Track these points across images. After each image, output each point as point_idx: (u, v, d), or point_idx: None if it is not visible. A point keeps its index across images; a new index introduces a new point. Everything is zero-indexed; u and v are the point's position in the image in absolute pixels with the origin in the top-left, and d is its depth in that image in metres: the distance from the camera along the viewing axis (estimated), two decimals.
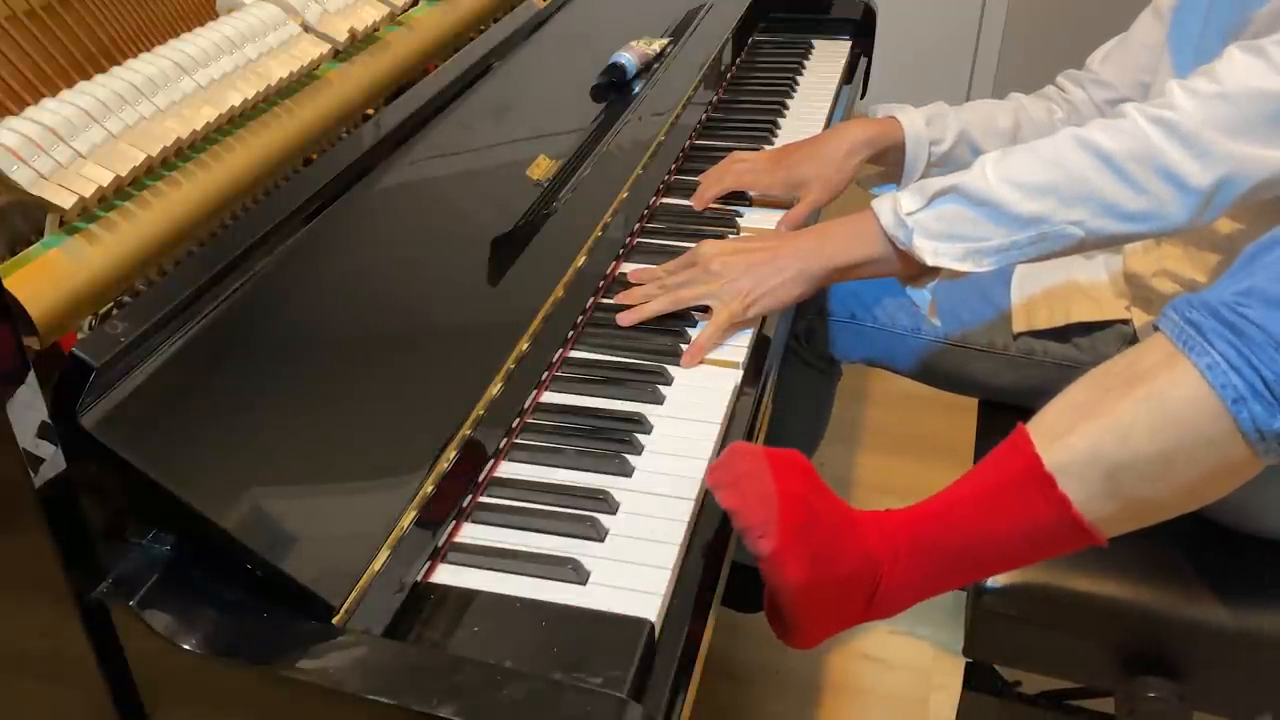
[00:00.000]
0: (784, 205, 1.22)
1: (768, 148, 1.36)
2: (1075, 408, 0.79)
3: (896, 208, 0.97)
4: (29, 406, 0.61)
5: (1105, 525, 0.78)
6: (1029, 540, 0.80)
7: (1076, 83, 1.25)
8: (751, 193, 1.23)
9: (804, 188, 1.19)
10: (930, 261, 0.96)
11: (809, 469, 0.81)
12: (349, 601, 0.67)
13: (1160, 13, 1.17)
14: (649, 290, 1.03)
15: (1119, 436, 0.76)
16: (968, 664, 1.15)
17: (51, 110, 0.74)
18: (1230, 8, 0.98)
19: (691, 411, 0.91)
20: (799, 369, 1.40)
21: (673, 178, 1.28)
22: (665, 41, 1.38)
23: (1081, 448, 0.77)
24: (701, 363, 0.97)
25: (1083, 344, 1.19)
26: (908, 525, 0.82)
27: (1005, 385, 1.24)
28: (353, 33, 1.00)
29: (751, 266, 1.01)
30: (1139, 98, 1.16)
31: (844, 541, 0.80)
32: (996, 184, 0.92)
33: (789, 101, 1.50)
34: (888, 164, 1.26)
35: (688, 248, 1.12)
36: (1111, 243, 0.93)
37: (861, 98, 1.70)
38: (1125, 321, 1.17)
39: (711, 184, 1.21)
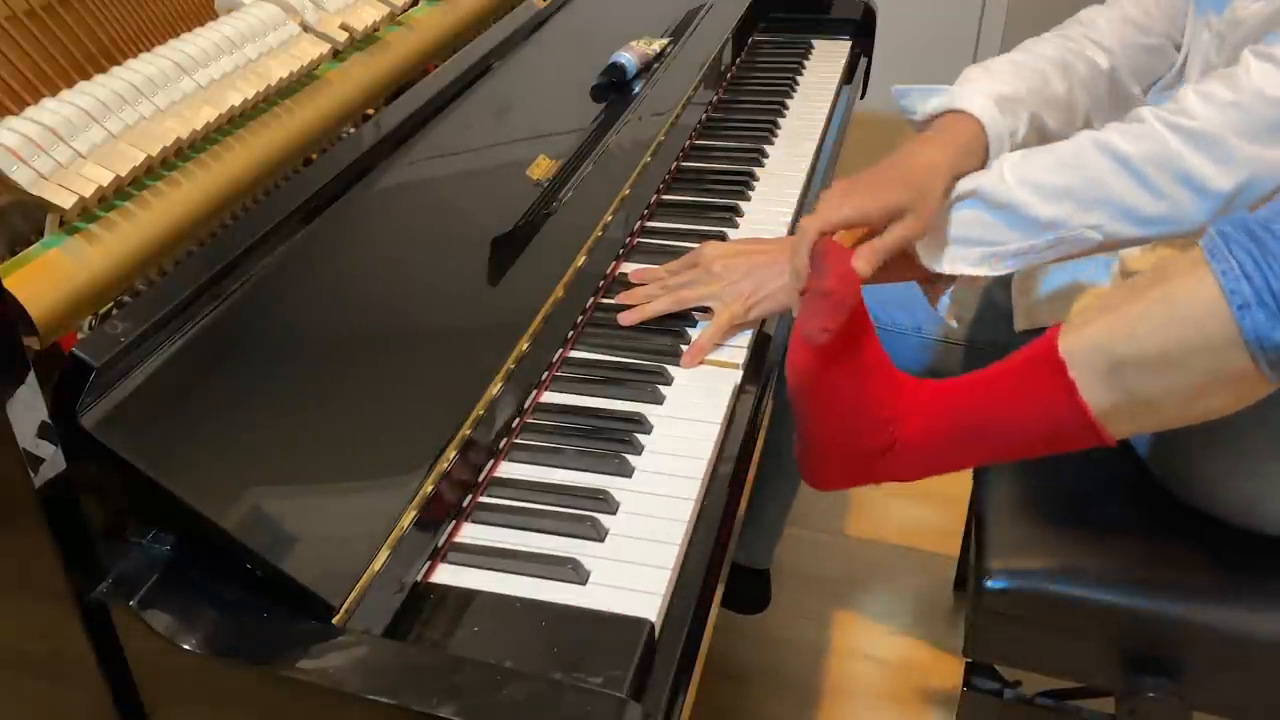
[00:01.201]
0: (784, 202, 1.21)
1: (768, 148, 1.36)
2: (1103, 304, 0.82)
3: None
4: (29, 406, 0.61)
5: (1108, 420, 0.81)
6: (1037, 423, 0.83)
7: (1124, 21, 1.13)
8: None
9: (902, 217, 0.94)
10: (946, 269, 0.95)
11: (868, 316, 0.88)
12: (349, 601, 0.67)
13: None
14: (650, 290, 1.03)
15: (1128, 330, 0.79)
16: (968, 664, 1.15)
17: (51, 110, 0.74)
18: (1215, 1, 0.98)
19: (691, 411, 0.91)
20: None
21: (673, 177, 1.28)
22: (665, 41, 1.38)
23: (1092, 336, 0.80)
24: (701, 363, 0.97)
25: None
26: (931, 389, 0.87)
27: None
28: (350, 31, 0.99)
29: (753, 269, 1.01)
30: (1168, 43, 1.12)
31: (879, 380, 0.86)
32: (1015, 187, 0.92)
33: (789, 101, 1.50)
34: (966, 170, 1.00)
35: (688, 247, 1.12)
36: (1129, 245, 0.93)
37: (861, 98, 1.70)
38: None
39: (806, 241, 0.93)
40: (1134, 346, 0.78)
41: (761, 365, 0.99)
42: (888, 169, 0.98)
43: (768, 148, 1.36)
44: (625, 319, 1.01)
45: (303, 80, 0.94)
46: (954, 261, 0.95)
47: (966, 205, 0.94)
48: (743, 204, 1.23)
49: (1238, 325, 0.74)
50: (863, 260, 0.92)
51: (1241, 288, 0.74)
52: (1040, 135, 1.06)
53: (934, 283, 1.00)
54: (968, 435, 0.86)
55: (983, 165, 0.99)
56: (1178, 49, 1.13)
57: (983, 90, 1.01)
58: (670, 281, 1.03)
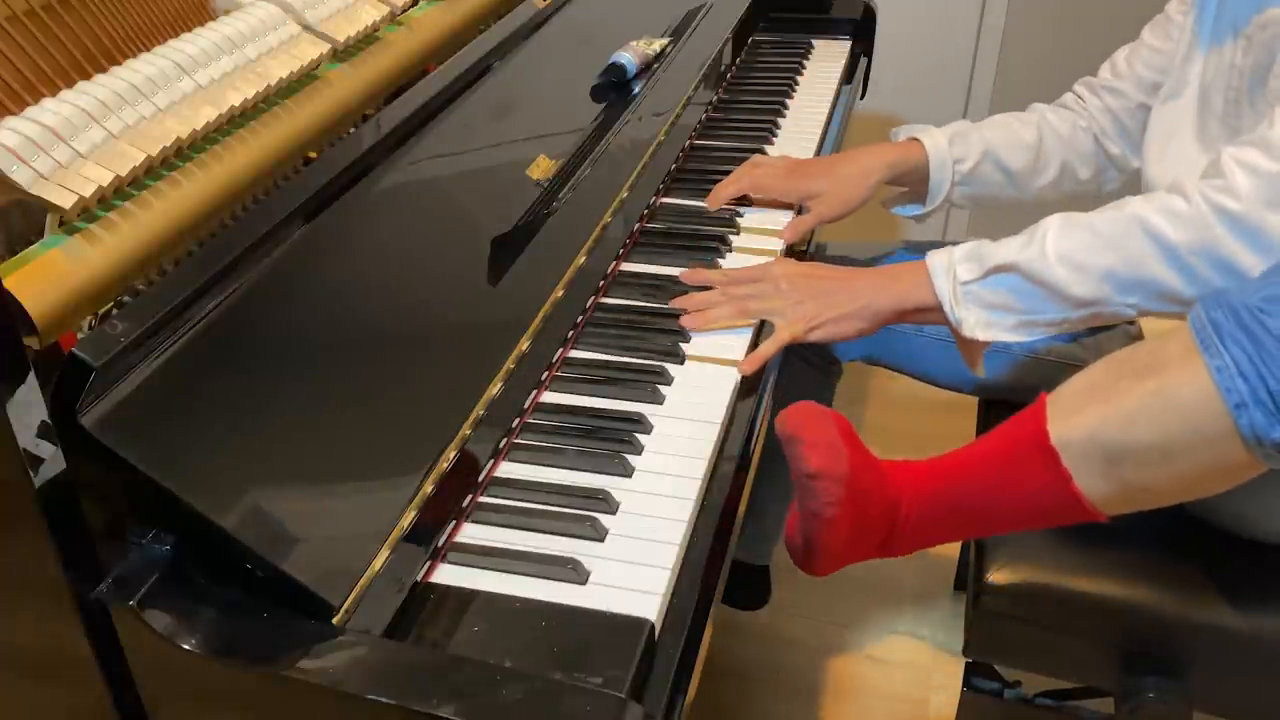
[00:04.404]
0: (790, 206, 1.22)
1: (768, 148, 1.37)
2: (1090, 388, 0.81)
3: (952, 273, 0.97)
4: (29, 406, 0.61)
5: (1103, 504, 0.81)
6: (1032, 507, 0.83)
7: (1092, 90, 1.25)
8: (759, 195, 1.23)
9: (815, 200, 1.20)
10: (982, 336, 0.97)
11: (854, 432, 0.87)
12: (349, 601, 0.67)
13: (1171, 16, 1.17)
14: (712, 297, 1.04)
15: (1122, 423, 0.78)
16: (968, 664, 1.15)
17: (51, 110, 0.74)
18: (1243, 1, 0.99)
19: (691, 411, 0.91)
20: (799, 367, 1.40)
21: (672, 177, 1.28)
22: (665, 41, 1.38)
23: (1086, 428, 0.79)
24: (701, 362, 0.97)
25: (1088, 343, 1.20)
26: (926, 478, 0.86)
27: (1007, 384, 1.24)
28: (350, 31, 0.99)
29: (820, 294, 1.02)
30: (1152, 100, 1.16)
31: (875, 493, 0.85)
32: (1056, 265, 0.92)
33: (789, 101, 1.50)
34: (911, 184, 1.27)
35: (687, 247, 1.13)
36: (1158, 315, 0.95)
37: (861, 98, 1.70)
38: (1131, 322, 1.17)
39: (728, 184, 1.22)
40: (1129, 440, 0.78)
41: (762, 365, 0.99)
42: (825, 159, 1.28)
43: (768, 148, 1.36)
44: (688, 323, 1.01)
45: (303, 80, 0.94)
46: (989, 328, 0.97)
47: (1006, 279, 0.95)
48: (742, 206, 1.23)
49: (1234, 423, 0.74)
50: (789, 232, 1.18)
51: (1237, 386, 0.73)
52: (1001, 171, 1.25)
53: (969, 344, 1.01)
54: (962, 518, 0.87)
55: (924, 180, 1.25)
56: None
57: (944, 129, 1.25)
58: (734, 291, 1.04)
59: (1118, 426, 0.78)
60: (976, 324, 0.97)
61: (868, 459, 0.86)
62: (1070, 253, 0.92)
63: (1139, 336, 1.16)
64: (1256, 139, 0.87)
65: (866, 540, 0.87)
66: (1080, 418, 0.80)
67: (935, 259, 0.99)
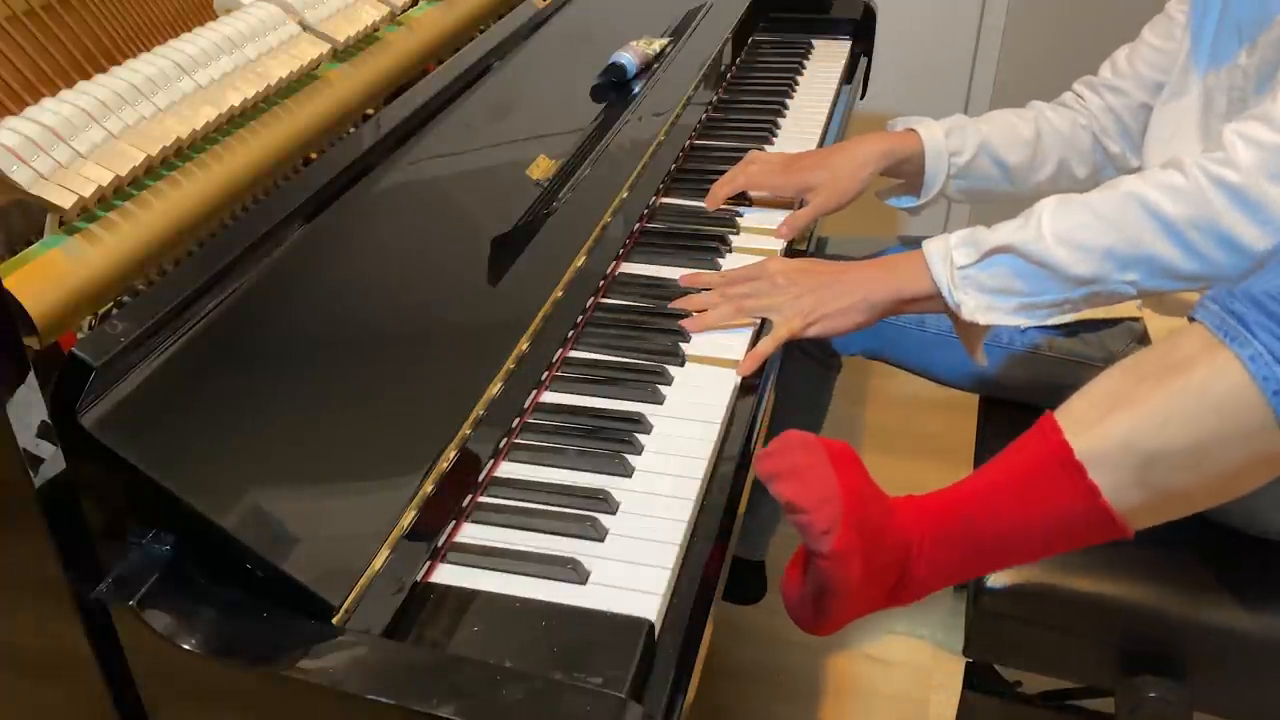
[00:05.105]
0: (787, 205, 1.22)
1: (768, 148, 1.37)
2: (1107, 396, 0.79)
3: (949, 259, 0.97)
4: (29, 406, 0.61)
5: (1133, 516, 0.78)
6: (1055, 531, 0.80)
7: (1093, 89, 1.25)
8: (757, 193, 1.23)
9: (812, 192, 1.20)
10: (982, 320, 0.96)
11: (858, 460, 0.82)
12: (349, 601, 0.67)
13: (1172, 15, 1.17)
14: (710, 298, 1.04)
15: (1155, 425, 0.76)
16: (968, 664, 1.15)
17: (51, 110, 0.74)
18: (1249, 3, 0.99)
19: (691, 411, 0.91)
20: (799, 360, 1.41)
21: (672, 178, 1.28)
22: (665, 41, 1.38)
23: (1115, 436, 0.77)
24: (701, 362, 0.97)
25: (1090, 339, 1.19)
26: (932, 516, 0.82)
27: (1008, 381, 1.23)
28: (350, 31, 0.99)
29: (817, 288, 1.01)
30: (1154, 100, 1.16)
31: (886, 533, 0.80)
32: (1053, 245, 0.92)
33: (789, 101, 1.50)
34: (907, 175, 1.27)
35: (688, 247, 1.12)
36: (1160, 293, 0.94)
37: (861, 98, 1.70)
38: (1135, 319, 1.17)
39: (724, 183, 1.22)
40: (1162, 442, 0.75)
41: (762, 365, 0.99)
42: (819, 151, 1.26)
43: (768, 148, 1.36)
44: (688, 326, 1.01)
45: (303, 80, 0.94)
46: (990, 312, 0.96)
47: (1004, 260, 0.95)
48: (742, 206, 1.23)
49: (1273, 411, 0.72)
50: (786, 227, 1.17)
51: (1275, 372, 0.72)
52: (997, 165, 1.25)
53: (969, 329, 1.00)
54: (978, 553, 0.82)
55: (920, 172, 1.24)
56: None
57: (941, 121, 1.25)
58: (730, 291, 1.04)
59: (1149, 430, 0.76)
60: (976, 308, 0.96)
61: (871, 489, 0.82)
62: (1068, 231, 0.92)
63: (1144, 333, 1.16)
64: (1259, 112, 0.87)
65: (876, 589, 0.82)
66: (1104, 426, 0.77)
67: (931, 246, 0.99)
